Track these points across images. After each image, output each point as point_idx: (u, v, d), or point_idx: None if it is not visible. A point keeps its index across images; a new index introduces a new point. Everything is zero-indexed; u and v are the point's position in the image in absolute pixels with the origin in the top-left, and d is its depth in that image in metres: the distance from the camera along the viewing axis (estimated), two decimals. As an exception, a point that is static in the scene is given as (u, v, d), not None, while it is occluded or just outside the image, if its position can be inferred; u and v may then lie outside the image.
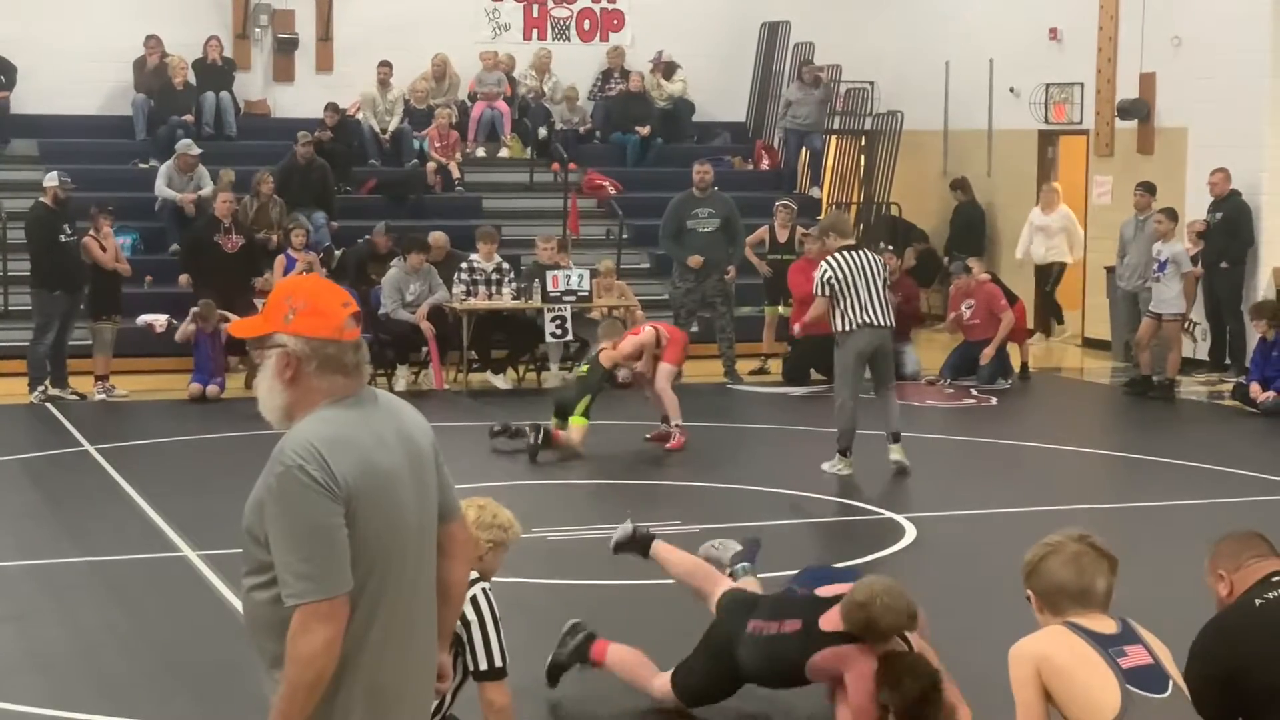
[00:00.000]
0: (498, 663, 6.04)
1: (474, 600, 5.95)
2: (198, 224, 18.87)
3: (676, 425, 14.27)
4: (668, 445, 14.29)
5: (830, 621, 6.86)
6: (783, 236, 19.59)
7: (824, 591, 7.13)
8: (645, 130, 23.36)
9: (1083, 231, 21.23)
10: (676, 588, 8.29)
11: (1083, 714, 4.78)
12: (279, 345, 4.04)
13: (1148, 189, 18.34)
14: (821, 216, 22.62)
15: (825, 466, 12.98)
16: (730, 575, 7.96)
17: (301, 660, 3.84)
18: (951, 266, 19.49)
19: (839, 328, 12.70)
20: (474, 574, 5.98)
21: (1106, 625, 4.92)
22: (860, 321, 12.61)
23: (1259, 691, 5.13)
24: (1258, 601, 5.28)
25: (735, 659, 7.21)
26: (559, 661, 7.72)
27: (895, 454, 13.11)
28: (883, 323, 12.77)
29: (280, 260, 18.31)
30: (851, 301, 12.59)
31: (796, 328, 15.12)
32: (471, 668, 6.00)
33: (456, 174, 22.14)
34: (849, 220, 13.73)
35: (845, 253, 12.75)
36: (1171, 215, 17.43)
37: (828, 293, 12.65)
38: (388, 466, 4.02)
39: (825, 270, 12.70)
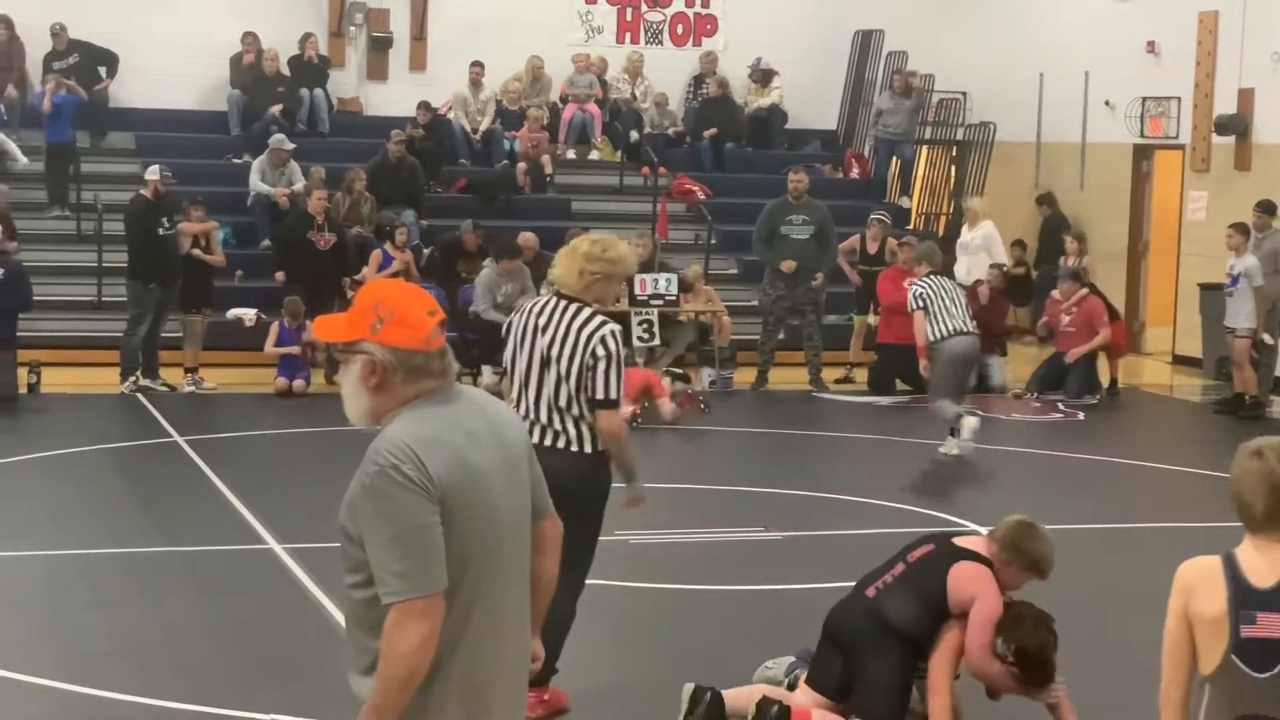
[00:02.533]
0: (614, 395, 7.16)
1: (605, 338, 7.14)
2: (290, 220, 19.00)
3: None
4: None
5: (967, 541, 7.03)
6: (873, 248, 19.53)
7: None
8: (712, 132, 23.28)
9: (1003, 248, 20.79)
10: (761, 594, 8.30)
11: (1198, 660, 4.60)
12: (365, 353, 4.04)
13: (1266, 209, 18.09)
14: (910, 226, 22.70)
15: (945, 449, 14.25)
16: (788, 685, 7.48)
17: (397, 657, 3.86)
18: (1060, 272, 19.20)
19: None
20: (597, 315, 7.19)
21: (1270, 573, 4.55)
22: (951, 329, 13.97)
23: None
24: None
25: (888, 632, 6.89)
26: None
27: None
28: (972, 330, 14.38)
29: (376, 255, 18.36)
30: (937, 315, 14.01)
31: None
32: (591, 395, 7.16)
33: (549, 169, 22.20)
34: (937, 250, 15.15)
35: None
36: (1242, 230, 17.19)
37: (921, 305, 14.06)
38: (481, 464, 4.03)
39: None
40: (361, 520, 3.94)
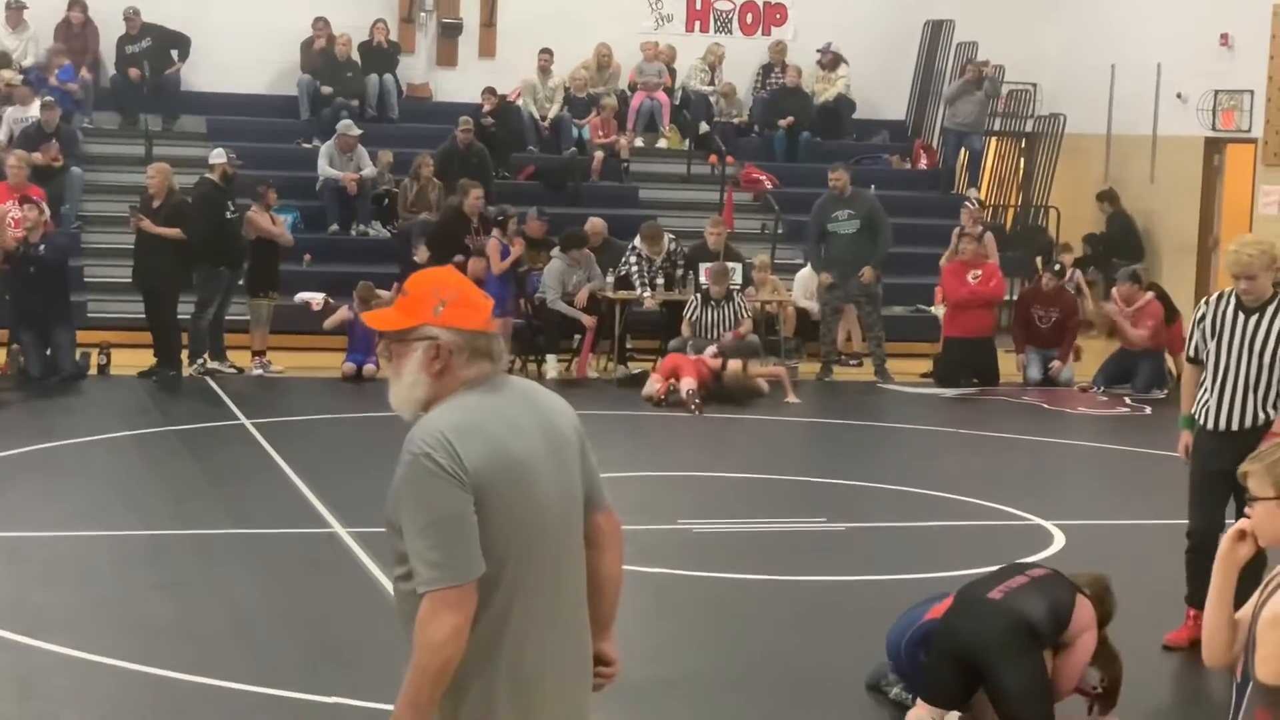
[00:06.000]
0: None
1: None
2: (444, 222, 18.87)
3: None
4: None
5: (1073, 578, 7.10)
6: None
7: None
8: (787, 121, 23.21)
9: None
10: (823, 584, 8.28)
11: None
12: (428, 338, 3.99)
13: None
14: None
15: None
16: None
17: (430, 646, 3.82)
18: (1118, 274, 18.97)
19: None
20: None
21: None
22: None
23: None
24: None
25: (1025, 631, 6.77)
26: None
27: None
28: None
29: (495, 244, 18.06)
30: None
31: None
32: None
33: (625, 154, 22.23)
34: None
35: None
36: None
37: None
38: (521, 453, 3.96)
39: None
40: (399, 509, 3.91)
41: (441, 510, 3.83)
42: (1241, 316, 8.26)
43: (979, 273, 18.36)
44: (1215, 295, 8.47)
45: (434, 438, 3.87)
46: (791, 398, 16.47)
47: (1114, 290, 18.46)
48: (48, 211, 16.96)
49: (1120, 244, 22.16)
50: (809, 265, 19.20)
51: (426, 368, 3.99)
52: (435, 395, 4.00)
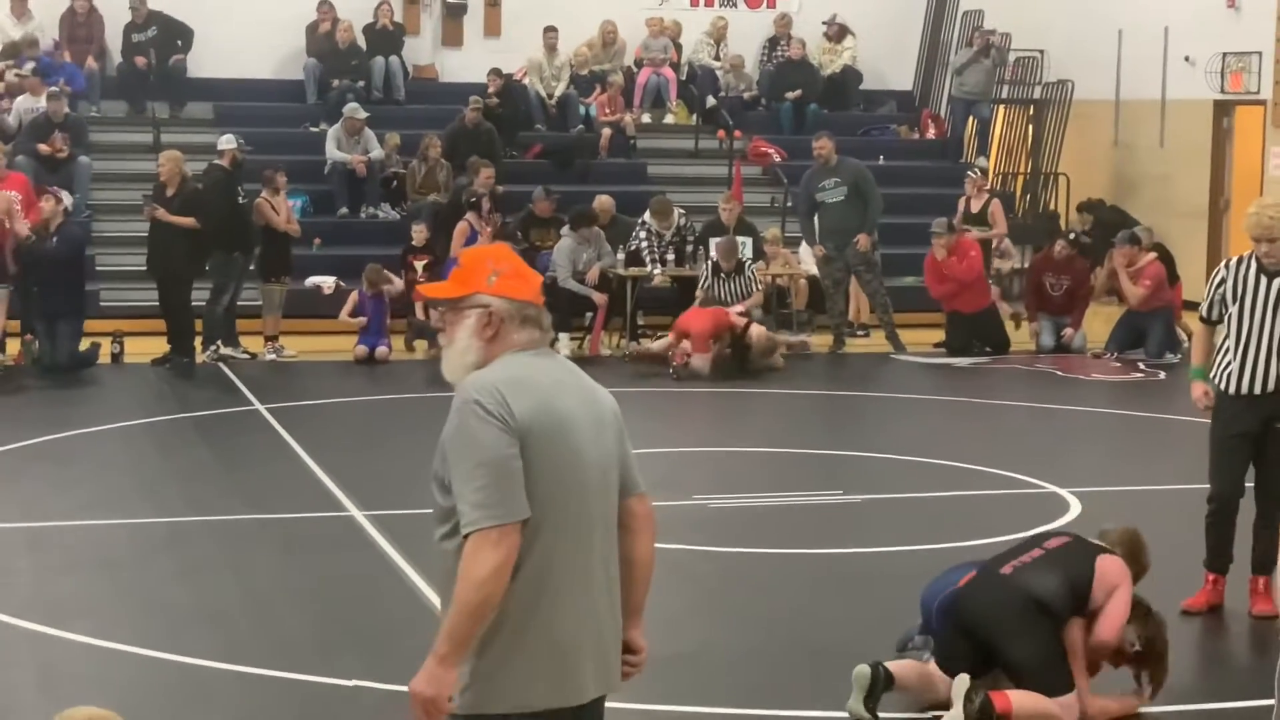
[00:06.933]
0: None
1: None
2: (450, 204, 18.99)
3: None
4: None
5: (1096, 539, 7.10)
6: (975, 207, 19.42)
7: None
8: (795, 94, 23.15)
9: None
10: (840, 557, 8.29)
11: None
12: (481, 306, 4.15)
13: None
14: (988, 187, 22.45)
15: None
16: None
17: (472, 583, 3.93)
18: (1117, 237, 18.84)
19: None
20: None
21: None
22: None
23: None
24: None
25: (1034, 606, 6.75)
26: None
27: None
28: None
29: (463, 228, 18.12)
30: None
31: None
32: None
33: (633, 131, 22.20)
34: None
35: None
36: None
37: None
38: (565, 409, 4.11)
39: None
40: (448, 460, 4.03)
41: (488, 453, 3.97)
42: (1264, 280, 8.23)
43: (951, 259, 18.02)
44: (1235, 259, 8.41)
45: (484, 387, 4.03)
46: (776, 359, 16.62)
47: (1114, 252, 18.25)
48: (66, 201, 16.99)
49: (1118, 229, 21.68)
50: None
51: (479, 333, 4.15)
52: (486, 361, 4.15)
